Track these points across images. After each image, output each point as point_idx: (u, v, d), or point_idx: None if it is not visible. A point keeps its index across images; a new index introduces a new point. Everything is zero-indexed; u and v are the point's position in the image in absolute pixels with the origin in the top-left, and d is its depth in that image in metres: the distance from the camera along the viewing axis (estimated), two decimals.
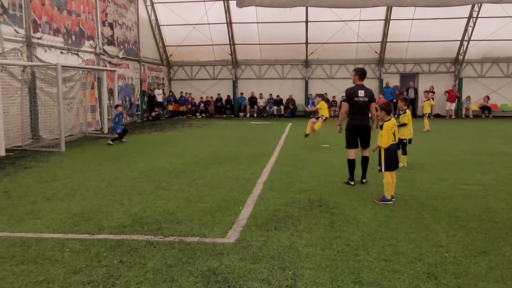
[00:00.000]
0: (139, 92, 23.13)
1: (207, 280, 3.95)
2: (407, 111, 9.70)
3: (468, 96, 25.44)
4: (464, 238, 4.99)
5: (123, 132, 14.30)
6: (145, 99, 24.11)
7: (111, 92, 18.12)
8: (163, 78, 26.93)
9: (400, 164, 8.90)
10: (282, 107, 26.74)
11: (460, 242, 4.87)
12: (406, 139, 9.53)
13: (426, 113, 17.57)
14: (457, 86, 25.59)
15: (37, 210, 6.25)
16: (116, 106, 15.40)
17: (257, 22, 24.59)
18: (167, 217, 5.84)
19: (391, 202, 6.53)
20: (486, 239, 4.96)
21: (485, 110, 25.40)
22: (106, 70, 17.74)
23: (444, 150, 11.92)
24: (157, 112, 23.99)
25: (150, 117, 23.87)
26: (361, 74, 7.99)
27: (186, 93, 27.12)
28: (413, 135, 9.79)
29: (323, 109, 13.53)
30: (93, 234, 5.19)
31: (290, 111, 26.43)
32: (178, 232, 5.25)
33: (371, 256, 4.49)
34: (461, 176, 8.48)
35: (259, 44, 25.87)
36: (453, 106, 25.57)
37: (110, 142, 13.64)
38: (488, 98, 25.29)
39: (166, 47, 26.68)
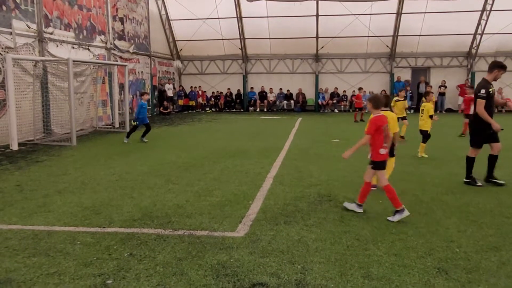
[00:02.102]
0: (149, 86, 23.22)
1: (217, 273, 3.96)
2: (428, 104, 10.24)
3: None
4: (475, 233, 4.94)
5: (146, 129, 12.91)
6: (156, 93, 24.21)
7: (122, 86, 18.23)
8: (173, 73, 27.00)
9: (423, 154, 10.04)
10: (292, 101, 26.66)
11: (471, 237, 4.82)
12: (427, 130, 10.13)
13: (402, 116, 16.85)
14: (469, 80, 25.25)
15: (49, 203, 6.32)
16: (142, 94, 13.65)
17: (267, 16, 24.48)
18: (176, 211, 5.87)
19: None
20: (498, 235, 4.90)
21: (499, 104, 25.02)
22: (117, 64, 17.83)
23: (456, 145, 11.78)
24: (168, 110, 24.01)
25: (161, 112, 23.97)
26: (488, 67, 7.43)
27: (195, 87, 27.14)
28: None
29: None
30: (103, 228, 5.23)
31: (300, 105, 26.35)
32: (187, 225, 5.28)
33: (381, 251, 4.47)
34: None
35: (269, 38, 25.76)
36: None
37: (125, 140, 12.79)
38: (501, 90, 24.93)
39: (176, 42, 26.71)
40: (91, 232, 5.07)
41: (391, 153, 6.91)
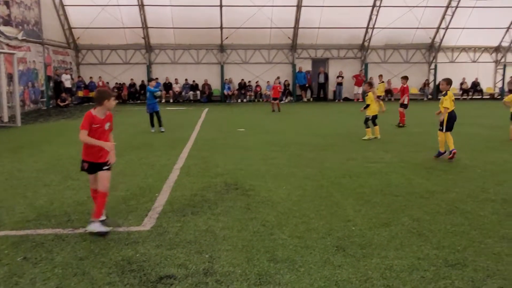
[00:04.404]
0: (43, 77, 21.47)
1: (122, 270, 3.84)
2: (370, 94, 11.54)
3: (371, 77, 27.18)
4: (369, 212, 5.37)
5: (151, 117, 13.25)
6: (51, 84, 22.47)
7: (10, 77, 16.60)
8: (70, 63, 25.26)
9: (374, 136, 11.32)
10: (198, 92, 26.49)
11: (366, 216, 5.23)
12: (369, 116, 11.41)
13: (380, 95, 20.25)
14: (363, 71, 27.17)
15: None
16: (150, 80, 14.25)
17: (171, 5, 23.93)
18: (77, 208, 5.55)
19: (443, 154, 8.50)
20: (388, 212, 5.38)
21: (388, 93, 27.31)
22: (3, 53, 16.20)
23: (352, 132, 12.62)
24: (66, 102, 22.41)
25: (58, 104, 22.32)
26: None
27: (93, 77, 25.66)
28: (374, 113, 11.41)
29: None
30: None
31: (206, 96, 26.28)
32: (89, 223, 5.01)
33: (285, 234, 4.66)
34: (367, 155, 9.07)
35: (173, 28, 25.24)
36: (360, 90, 27.14)
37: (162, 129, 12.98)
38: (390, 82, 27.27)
39: (72, 29, 24.98)
40: None
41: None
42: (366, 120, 11.46)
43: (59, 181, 6.94)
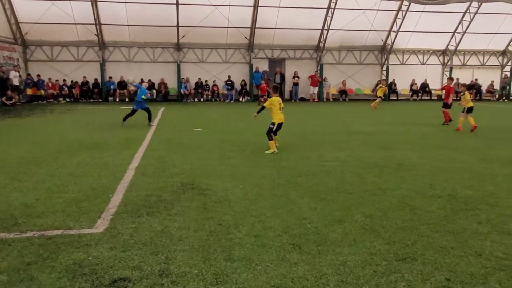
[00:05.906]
0: None
1: (73, 274, 3.70)
2: (275, 98, 9.53)
3: (325, 77, 27.87)
4: (324, 209, 5.47)
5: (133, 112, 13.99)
6: None
7: None
8: (17, 59, 24.11)
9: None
10: (154, 91, 26.03)
11: (321, 213, 5.32)
12: (275, 124, 9.37)
13: (380, 96, 21.57)
14: (318, 71, 27.68)
15: None
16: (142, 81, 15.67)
17: (125, 2, 23.38)
18: (24, 211, 5.30)
19: None
20: (342, 209, 5.50)
21: (343, 94, 28.01)
22: None
23: (308, 131, 12.84)
24: (12, 101, 21.32)
25: (3, 103, 21.22)
26: None
27: (39, 75, 24.59)
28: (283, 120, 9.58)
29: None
30: None
31: (162, 95, 25.88)
32: (38, 226, 4.81)
33: (242, 233, 4.66)
34: (322, 154, 9.24)
35: (128, 25, 24.67)
36: (316, 90, 27.66)
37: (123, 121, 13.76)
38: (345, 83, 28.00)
39: (19, 24, 23.86)
40: None
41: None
42: (270, 130, 9.33)
43: (5, 183, 6.61)
